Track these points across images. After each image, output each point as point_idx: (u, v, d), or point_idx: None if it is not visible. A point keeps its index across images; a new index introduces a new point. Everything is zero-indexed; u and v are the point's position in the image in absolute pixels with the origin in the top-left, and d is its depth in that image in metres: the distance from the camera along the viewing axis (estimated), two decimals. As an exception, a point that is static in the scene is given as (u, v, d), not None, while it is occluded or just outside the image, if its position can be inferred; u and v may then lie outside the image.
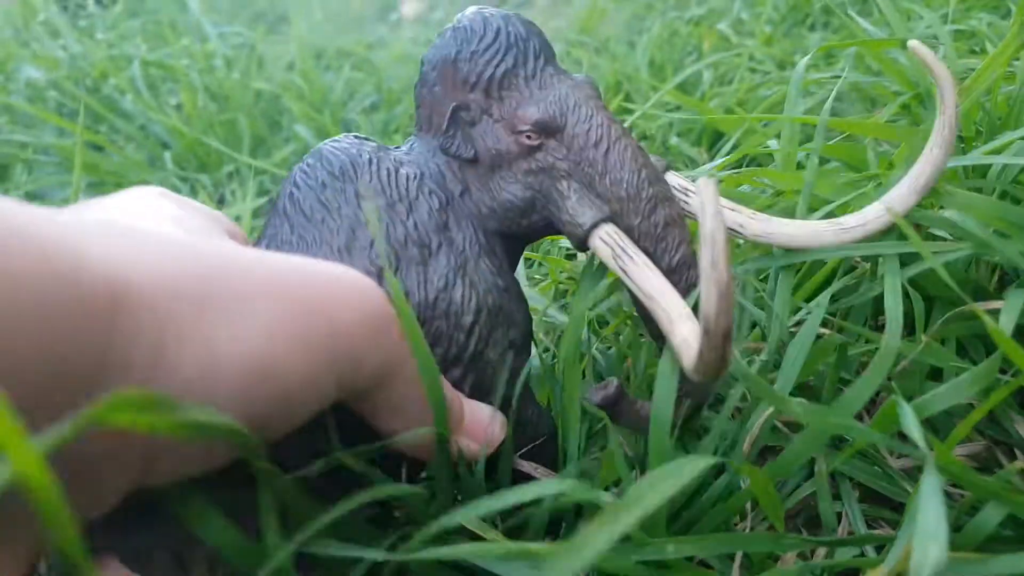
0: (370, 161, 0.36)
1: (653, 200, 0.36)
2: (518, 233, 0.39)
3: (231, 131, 1.17)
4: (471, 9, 0.38)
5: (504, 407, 0.37)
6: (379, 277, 0.34)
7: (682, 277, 0.36)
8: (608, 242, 0.36)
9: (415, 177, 0.36)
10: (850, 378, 0.42)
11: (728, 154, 0.64)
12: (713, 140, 0.84)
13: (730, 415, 0.38)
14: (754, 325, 0.46)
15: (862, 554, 0.35)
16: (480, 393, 0.36)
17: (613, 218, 0.36)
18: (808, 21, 1.16)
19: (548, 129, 0.36)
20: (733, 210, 0.39)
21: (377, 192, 0.35)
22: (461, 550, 0.27)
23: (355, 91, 1.42)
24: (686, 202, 0.39)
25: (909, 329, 0.44)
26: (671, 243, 0.36)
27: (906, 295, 0.43)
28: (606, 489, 0.43)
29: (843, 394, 0.33)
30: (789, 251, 0.41)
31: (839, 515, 0.38)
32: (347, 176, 0.35)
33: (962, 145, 0.46)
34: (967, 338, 0.42)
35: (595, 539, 0.22)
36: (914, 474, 0.40)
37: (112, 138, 1.26)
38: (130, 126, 1.24)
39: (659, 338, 0.38)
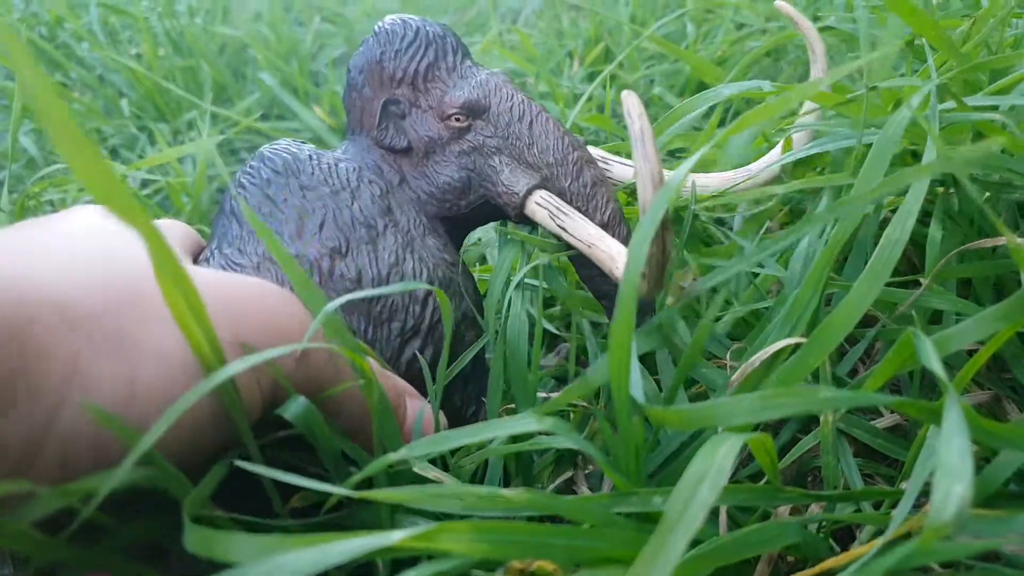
0: (310, 157, 0.38)
1: (579, 162, 0.38)
2: (458, 216, 0.40)
3: (192, 79, 1.12)
4: (389, 17, 0.40)
5: (464, 381, 0.39)
6: (331, 258, 0.35)
7: (615, 231, 0.38)
8: (543, 205, 0.38)
9: (354, 169, 0.39)
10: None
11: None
12: (697, 91, 0.80)
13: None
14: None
15: (859, 511, 0.32)
16: (437, 365, 0.37)
17: (545, 184, 0.38)
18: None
19: (475, 110, 0.39)
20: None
21: (320, 182, 0.37)
22: (415, 493, 0.24)
23: (324, 43, 1.37)
24: (607, 169, 0.42)
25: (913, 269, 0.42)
26: (600, 201, 0.39)
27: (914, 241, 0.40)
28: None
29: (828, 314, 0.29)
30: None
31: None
32: (290, 171, 0.37)
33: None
34: (977, 282, 0.39)
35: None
36: (908, 429, 0.38)
37: (68, 86, 1.20)
38: (88, 75, 1.18)
39: (605, 297, 0.41)
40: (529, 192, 0.38)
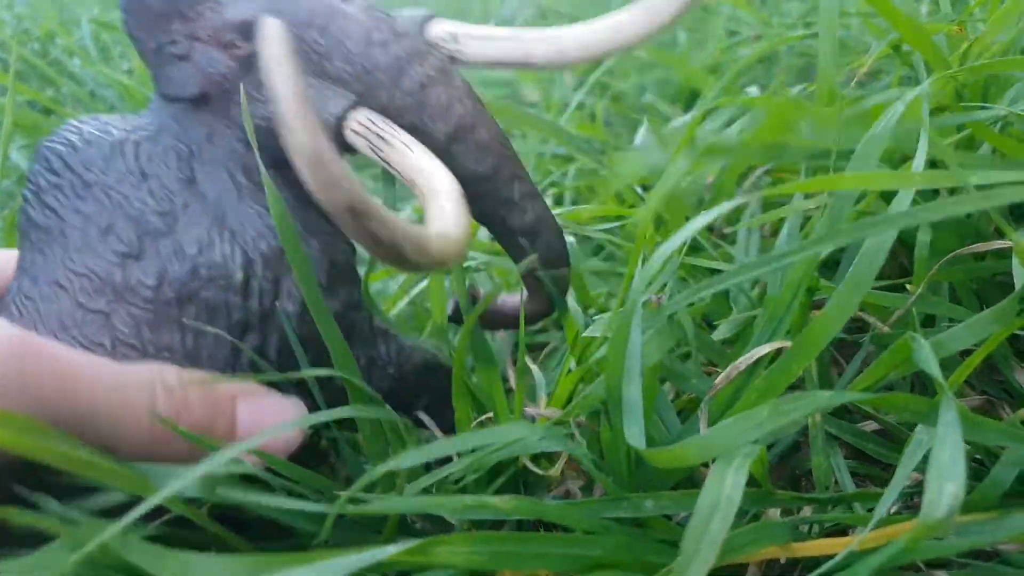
0: (90, 142, 0.31)
1: (396, 63, 0.30)
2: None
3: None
4: None
5: (364, 348, 0.33)
6: (123, 267, 0.29)
7: (466, 142, 0.30)
8: (362, 132, 0.30)
9: (146, 139, 0.31)
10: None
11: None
12: (689, 100, 0.81)
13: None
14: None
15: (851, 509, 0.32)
16: (292, 355, 0.31)
17: (363, 102, 0.30)
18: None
19: (251, 30, 0.30)
20: (513, 39, 0.31)
21: (101, 171, 0.30)
22: (407, 502, 0.24)
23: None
24: (458, 50, 0.31)
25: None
26: (436, 106, 0.30)
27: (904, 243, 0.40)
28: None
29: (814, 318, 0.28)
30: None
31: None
32: (68, 168, 0.30)
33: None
34: (959, 285, 0.39)
35: None
36: (895, 435, 0.38)
37: (60, 101, 1.20)
38: (80, 90, 1.18)
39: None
40: (342, 118, 0.30)
